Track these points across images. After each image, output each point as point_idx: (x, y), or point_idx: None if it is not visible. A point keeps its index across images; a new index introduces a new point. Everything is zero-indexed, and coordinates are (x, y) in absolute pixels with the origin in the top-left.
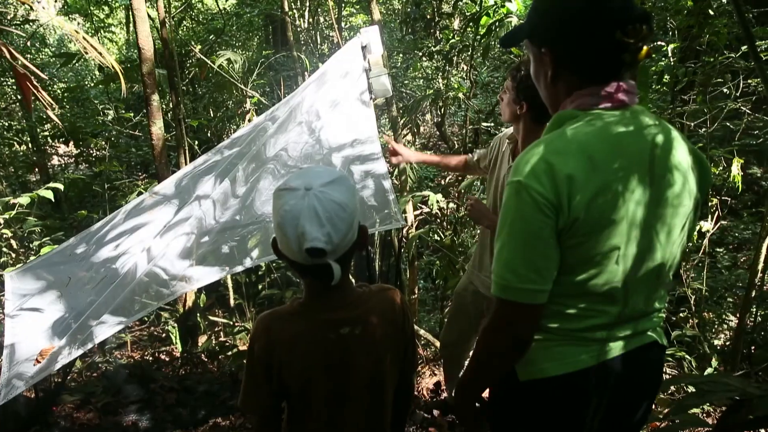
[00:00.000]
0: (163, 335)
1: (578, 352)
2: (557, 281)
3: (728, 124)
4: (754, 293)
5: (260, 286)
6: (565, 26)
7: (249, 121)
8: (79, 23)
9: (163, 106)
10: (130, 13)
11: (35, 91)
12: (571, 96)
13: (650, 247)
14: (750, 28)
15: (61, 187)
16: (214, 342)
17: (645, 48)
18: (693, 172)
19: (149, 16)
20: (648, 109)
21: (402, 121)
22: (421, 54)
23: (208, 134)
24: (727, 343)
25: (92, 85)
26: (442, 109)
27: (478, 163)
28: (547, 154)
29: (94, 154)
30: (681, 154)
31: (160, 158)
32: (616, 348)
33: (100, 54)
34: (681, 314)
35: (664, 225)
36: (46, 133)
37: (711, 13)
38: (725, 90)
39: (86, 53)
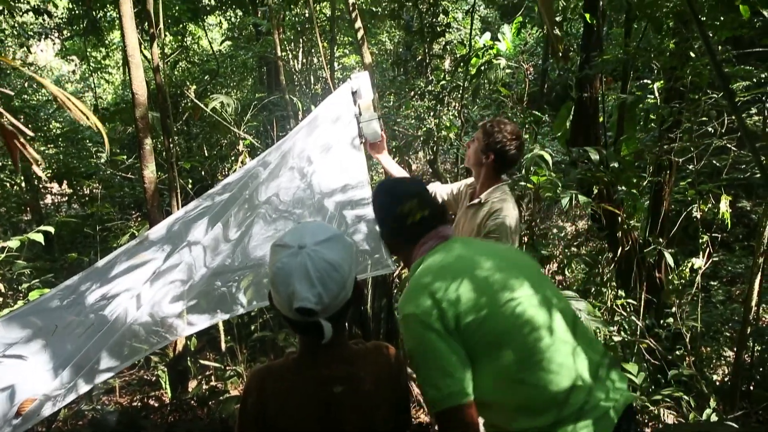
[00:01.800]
0: (153, 379)
1: None
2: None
3: (714, 161)
4: (749, 329)
5: (252, 328)
6: (383, 216)
7: (242, 163)
8: (76, 64)
9: (158, 146)
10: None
11: (22, 149)
12: (413, 254)
13: (539, 332)
14: (725, 76)
15: (51, 230)
16: (204, 387)
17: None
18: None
19: (144, 57)
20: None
21: (395, 160)
22: (412, 94)
23: (202, 173)
24: (726, 379)
25: (87, 126)
26: (434, 148)
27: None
28: (414, 283)
29: (87, 193)
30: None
31: (152, 201)
32: None
33: (84, 113)
34: (677, 352)
35: (542, 308)
36: (40, 174)
37: (692, 54)
38: (710, 129)
39: (68, 109)
